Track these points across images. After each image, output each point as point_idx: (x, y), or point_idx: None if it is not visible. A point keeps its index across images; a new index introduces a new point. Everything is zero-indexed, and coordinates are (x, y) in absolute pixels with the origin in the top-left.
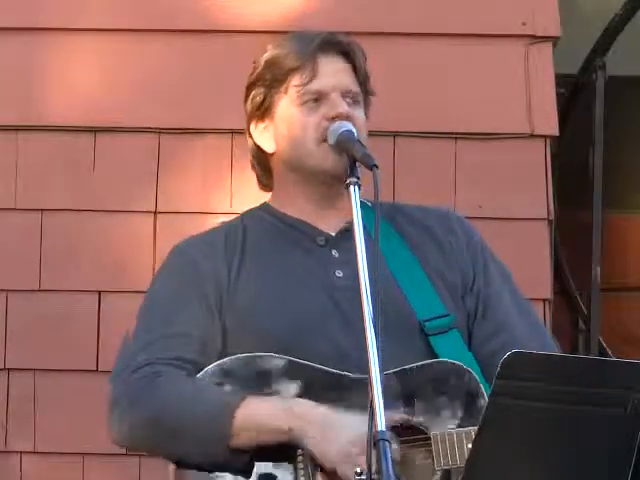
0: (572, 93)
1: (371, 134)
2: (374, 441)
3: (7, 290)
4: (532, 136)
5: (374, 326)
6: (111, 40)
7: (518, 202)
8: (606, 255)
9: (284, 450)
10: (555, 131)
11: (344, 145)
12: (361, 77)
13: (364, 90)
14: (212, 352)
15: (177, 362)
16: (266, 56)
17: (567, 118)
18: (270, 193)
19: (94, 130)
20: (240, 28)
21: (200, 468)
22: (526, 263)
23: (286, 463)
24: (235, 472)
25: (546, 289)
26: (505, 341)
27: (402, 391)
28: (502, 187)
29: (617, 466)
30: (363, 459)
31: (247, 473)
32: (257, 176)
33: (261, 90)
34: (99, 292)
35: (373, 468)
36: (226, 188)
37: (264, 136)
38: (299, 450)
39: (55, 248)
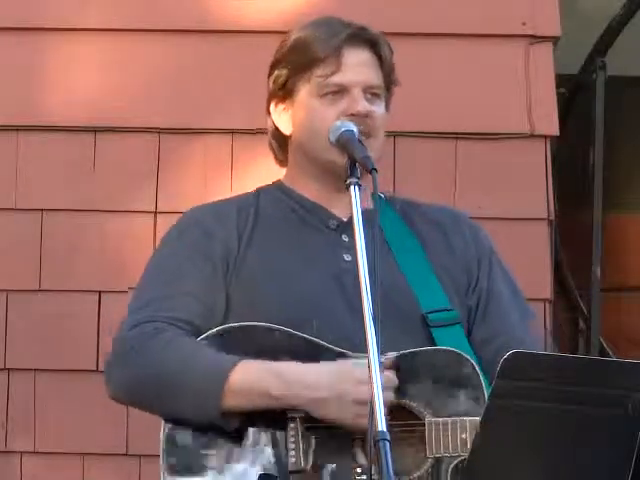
0: (572, 93)
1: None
2: (374, 441)
3: (7, 290)
4: (532, 136)
5: (375, 327)
6: (111, 40)
7: (518, 202)
8: (606, 255)
9: (276, 417)
10: (555, 131)
11: (344, 145)
12: (386, 69)
13: (387, 82)
14: (214, 318)
15: (179, 323)
16: (294, 37)
17: (567, 118)
18: (284, 169)
19: (94, 130)
20: (240, 28)
21: (193, 428)
22: (526, 263)
23: (277, 430)
24: (226, 435)
25: (546, 289)
26: (503, 343)
27: (400, 374)
28: (502, 187)
29: (617, 466)
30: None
31: (238, 437)
32: (273, 153)
33: (284, 72)
34: (99, 292)
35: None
36: (226, 188)
37: (282, 118)
38: (290, 417)
39: (55, 248)
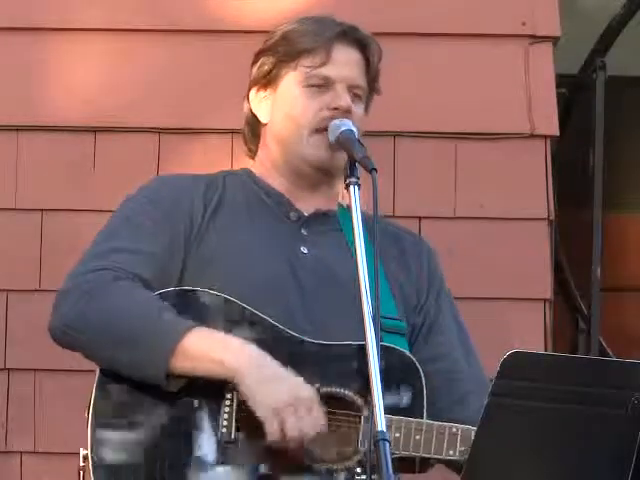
0: (572, 93)
1: (371, 134)
2: (374, 441)
3: (7, 290)
4: (532, 136)
5: (375, 328)
6: (111, 40)
7: (518, 202)
8: (606, 255)
9: (213, 387)
10: (555, 131)
11: (344, 145)
12: (372, 73)
13: (371, 87)
14: (167, 284)
15: (135, 278)
16: (284, 29)
17: (567, 118)
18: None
19: (94, 130)
20: (240, 28)
21: (124, 378)
22: (526, 263)
23: (212, 400)
24: (160, 398)
25: (546, 289)
26: (443, 369)
27: (344, 365)
28: (502, 187)
29: (617, 466)
30: (292, 421)
31: (172, 403)
32: (245, 142)
33: (270, 60)
34: None
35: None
36: None
37: (262, 105)
38: (227, 388)
39: (55, 248)
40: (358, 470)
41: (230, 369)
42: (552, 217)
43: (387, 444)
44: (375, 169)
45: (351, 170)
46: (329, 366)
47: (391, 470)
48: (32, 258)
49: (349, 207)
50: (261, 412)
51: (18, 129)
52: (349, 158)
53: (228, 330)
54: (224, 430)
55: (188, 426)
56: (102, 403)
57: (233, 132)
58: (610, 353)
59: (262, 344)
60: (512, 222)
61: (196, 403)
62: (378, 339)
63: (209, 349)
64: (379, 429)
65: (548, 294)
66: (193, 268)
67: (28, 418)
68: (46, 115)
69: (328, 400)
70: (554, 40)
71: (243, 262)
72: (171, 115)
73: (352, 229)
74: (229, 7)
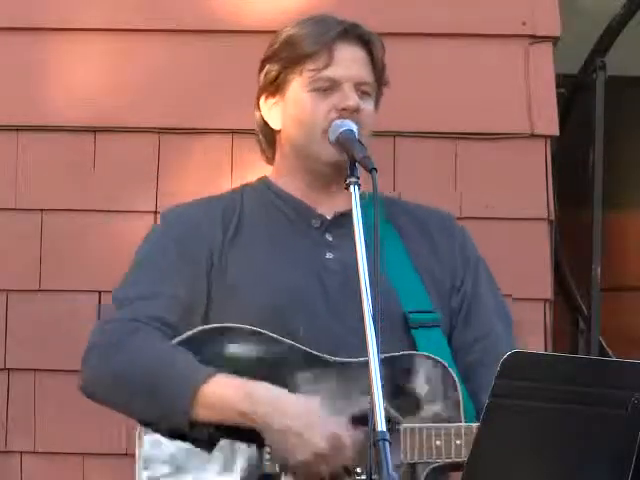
0: (572, 93)
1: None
2: (374, 441)
3: (7, 290)
4: (532, 136)
5: (375, 328)
6: (111, 40)
7: (518, 202)
8: (606, 255)
9: (253, 432)
10: (555, 131)
11: (344, 145)
12: (378, 67)
13: (378, 81)
14: (194, 319)
15: (157, 323)
16: (285, 33)
17: (567, 118)
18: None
19: (94, 130)
20: (240, 28)
21: (161, 432)
22: (526, 263)
23: (253, 445)
24: (196, 443)
25: (546, 289)
26: (489, 345)
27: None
28: (502, 187)
29: (617, 466)
30: (326, 471)
31: (210, 445)
32: (261, 149)
33: (276, 67)
34: (99, 292)
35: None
36: (226, 188)
37: (272, 112)
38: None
39: (55, 248)
40: (358, 470)
41: (251, 419)
42: (552, 217)
43: (387, 444)
44: (375, 169)
45: (351, 170)
46: (360, 381)
47: (391, 470)
48: (32, 258)
49: (367, 194)
50: (287, 462)
51: (18, 129)
52: (349, 158)
53: (256, 363)
54: (268, 463)
55: (232, 461)
56: (148, 450)
57: (233, 132)
58: (610, 353)
59: (291, 369)
60: (512, 222)
61: (237, 439)
62: (378, 339)
63: (228, 398)
64: (379, 429)
65: (548, 294)
66: (218, 298)
67: (28, 418)
68: (46, 115)
69: (363, 418)
70: (554, 40)
71: (267, 283)
72: (171, 115)
73: (374, 222)
74: (229, 7)
